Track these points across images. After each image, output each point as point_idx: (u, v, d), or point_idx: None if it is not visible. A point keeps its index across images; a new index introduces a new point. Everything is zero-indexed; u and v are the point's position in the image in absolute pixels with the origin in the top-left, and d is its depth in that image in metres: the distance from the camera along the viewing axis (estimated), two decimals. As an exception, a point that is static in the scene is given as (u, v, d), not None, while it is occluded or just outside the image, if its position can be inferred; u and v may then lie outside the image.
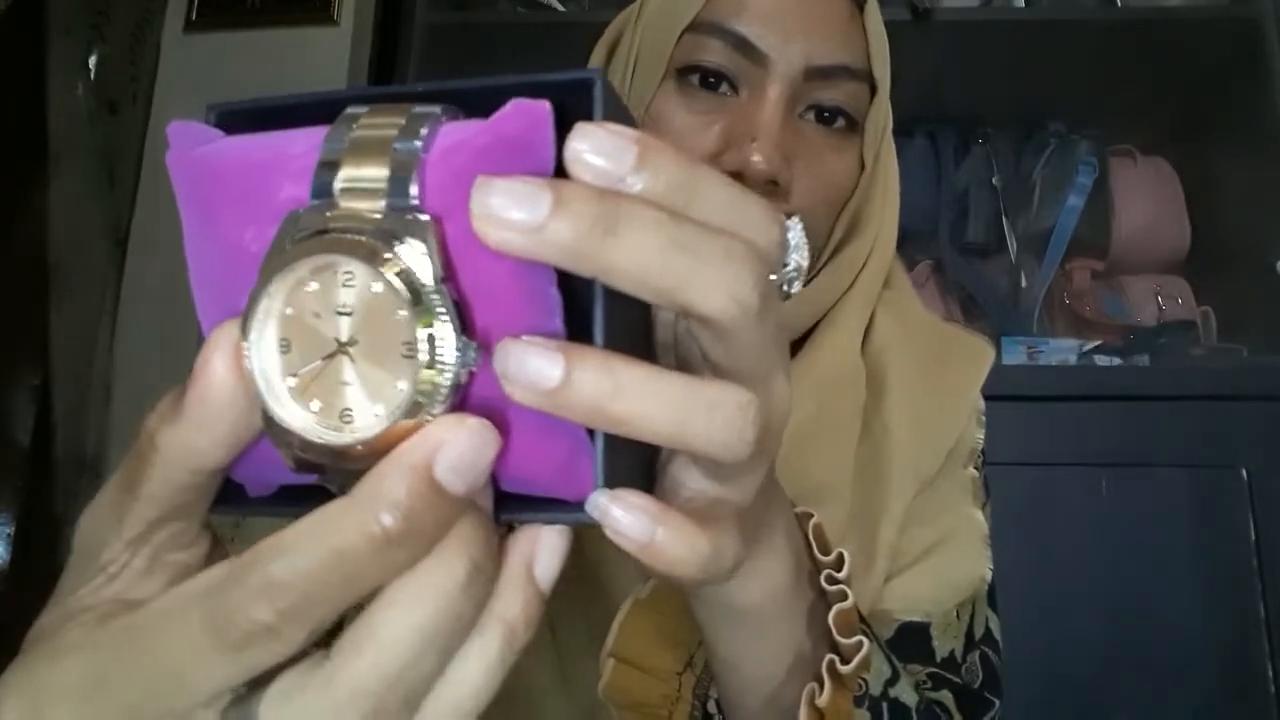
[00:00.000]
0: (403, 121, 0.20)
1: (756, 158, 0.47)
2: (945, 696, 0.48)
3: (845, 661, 0.34)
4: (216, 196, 0.22)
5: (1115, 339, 1.19)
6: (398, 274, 0.19)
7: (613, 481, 0.21)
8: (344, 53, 1.18)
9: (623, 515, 0.21)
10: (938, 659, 0.50)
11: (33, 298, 1.07)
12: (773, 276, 0.22)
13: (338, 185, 0.20)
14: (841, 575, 0.35)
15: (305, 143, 0.21)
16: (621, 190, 0.19)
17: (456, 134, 0.21)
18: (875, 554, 0.51)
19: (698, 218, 0.20)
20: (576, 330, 0.21)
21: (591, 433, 0.21)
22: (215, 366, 0.21)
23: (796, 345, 0.56)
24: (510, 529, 0.22)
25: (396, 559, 0.19)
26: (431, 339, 0.19)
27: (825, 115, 0.51)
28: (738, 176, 0.48)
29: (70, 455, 1.06)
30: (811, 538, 0.36)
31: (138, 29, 1.18)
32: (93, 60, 1.13)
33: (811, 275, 0.54)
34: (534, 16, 1.29)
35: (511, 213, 0.18)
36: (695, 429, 0.20)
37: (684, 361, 0.25)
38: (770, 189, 0.48)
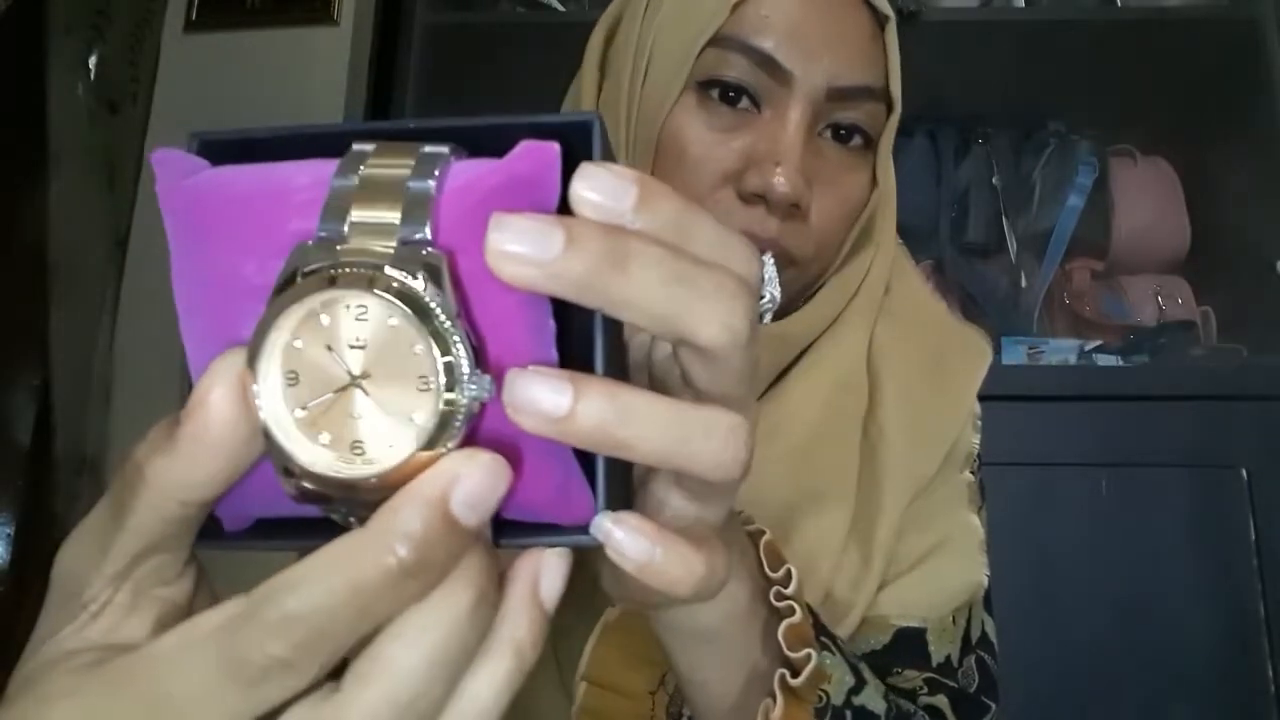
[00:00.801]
0: (413, 162, 0.21)
1: (780, 180, 0.46)
2: (941, 701, 0.48)
3: (796, 675, 0.35)
4: (213, 228, 0.22)
5: (1115, 339, 1.19)
6: (416, 307, 0.20)
7: (613, 505, 0.22)
8: (344, 53, 1.18)
9: (624, 537, 0.22)
10: (934, 664, 0.50)
11: (33, 298, 1.07)
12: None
13: (350, 221, 0.21)
14: (789, 591, 0.36)
15: (309, 176, 0.22)
16: (623, 227, 0.21)
17: (466, 173, 0.21)
18: (872, 557, 0.51)
19: (691, 253, 0.21)
20: (564, 358, 0.22)
21: (581, 459, 0.22)
22: (215, 399, 0.21)
23: (801, 353, 0.56)
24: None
25: (410, 590, 0.20)
26: (450, 372, 0.20)
27: (842, 133, 0.51)
28: (760, 198, 0.48)
29: (70, 455, 1.06)
30: (763, 555, 0.36)
31: (138, 29, 1.18)
32: (93, 60, 1.13)
33: (818, 288, 0.54)
34: (534, 16, 1.29)
35: (525, 248, 0.19)
36: (693, 451, 0.21)
37: (661, 386, 0.26)
38: (791, 211, 0.48)
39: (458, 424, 0.20)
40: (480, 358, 0.21)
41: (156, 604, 0.23)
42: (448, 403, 0.20)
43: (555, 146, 0.21)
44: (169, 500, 0.22)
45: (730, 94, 0.49)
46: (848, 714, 0.38)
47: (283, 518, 0.24)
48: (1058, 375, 1.11)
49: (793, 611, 0.36)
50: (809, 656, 0.35)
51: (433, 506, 0.20)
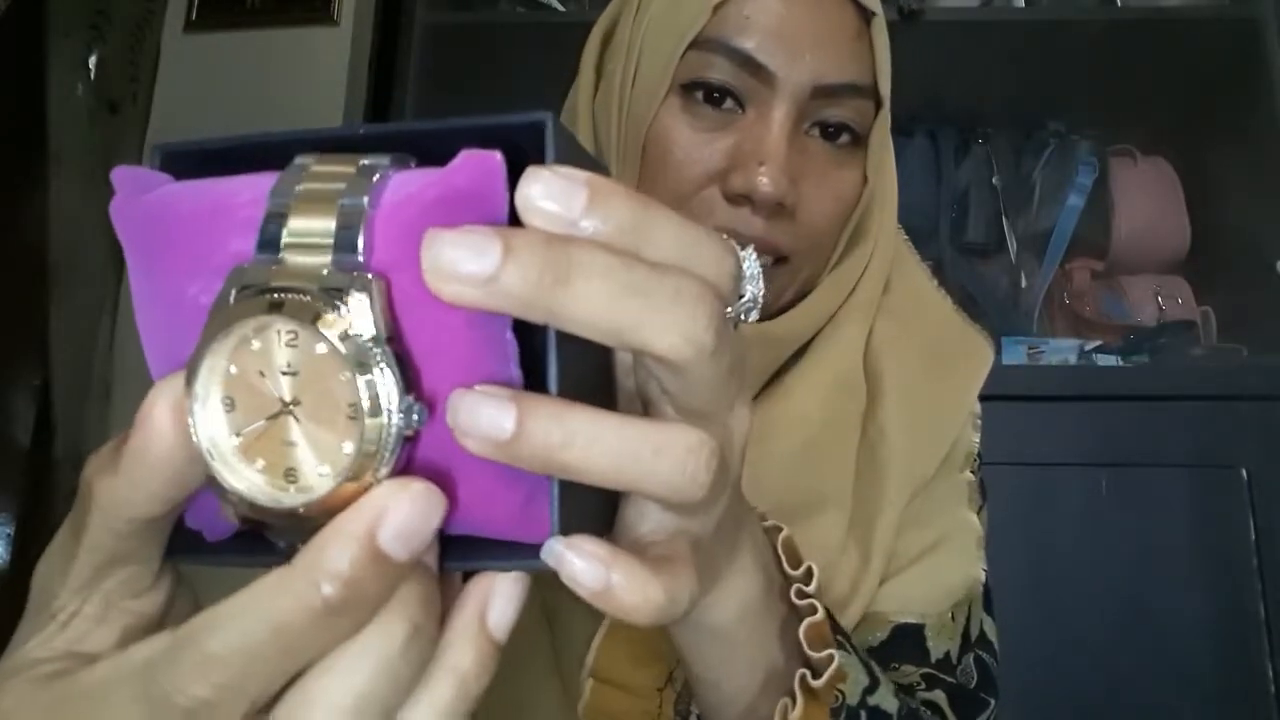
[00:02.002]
0: (351, 172, 0.20)
1: (764, 180, 0.46)
2: (939, 697, 0.48)
3: (817, 675, 0.34)
4: (162, 247, 0.22)
5: (1115, 339, 1.19)
6: (340, 335, 0.19)
7: (569, 527, 0.21)
8: (344, 53, 1.18)
9: (577, 562, 0.21)
10: (932, 660, 0.50)
11: (33, 298, 1.07)
12: (729, 309, 0.22)
13: (284, 240, 0.20)
14: (810, 589, 0.35)
15: (251, 192, 0.21)
16: (573, 234, 0.20)
17: (406, 186, 0.20)
18: (870, 556, 0.51)
19: (651, 257, 0.20)
20: (535, 374, 0.21)
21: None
22: (156, 421, 0.21)
23: (798, 353, 0.56)
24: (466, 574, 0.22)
25: (338, 628, 0.19)
26: (375, 400, 0.19)
27: (830, 131, 0.50)
28: (745, 198, 0.48)
29: (70, 455, 1.06)
30: (781, 552, 0.36)
31: (138, 29, 1.18)
32: (93, 60, 1.13)
33: (813, 287, 0.54)
34: (534, 16, 1.29)
35: (462, 265, 0.18)
36: (645, 474, 0.20)
37: (646, 398, 0.25)
38: (777, 210, 0.48)
39: (388, 453, 0.20)
40: (414, 382, 0.20)
41: (125, 615, 0.23)
42: (373, 432, 0.19)
43: (496, 156, 0.20)
44: (115, 518, 0.22)
45: (714, 95, 0.49)
46: (862, 714, 0.38)
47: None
48: (1058, 375, 1.11)
49: (814, 610, 0.35)
50: (831, 657, 0.34)
51: (359, 541, 0.19)
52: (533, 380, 0.21)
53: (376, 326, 0.19)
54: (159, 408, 0.21)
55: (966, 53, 1.22)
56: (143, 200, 0.22)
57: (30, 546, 1.03)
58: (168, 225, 0.22)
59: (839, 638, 0.38)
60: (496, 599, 0.21)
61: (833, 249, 0.54)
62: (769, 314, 0.51)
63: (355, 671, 0.19)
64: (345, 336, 0.19)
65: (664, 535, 0.25)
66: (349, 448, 0.20)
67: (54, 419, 1.06)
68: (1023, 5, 1.27)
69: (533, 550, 0.21)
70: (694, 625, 0.32)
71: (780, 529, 0.37)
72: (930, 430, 0.55)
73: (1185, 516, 1.02)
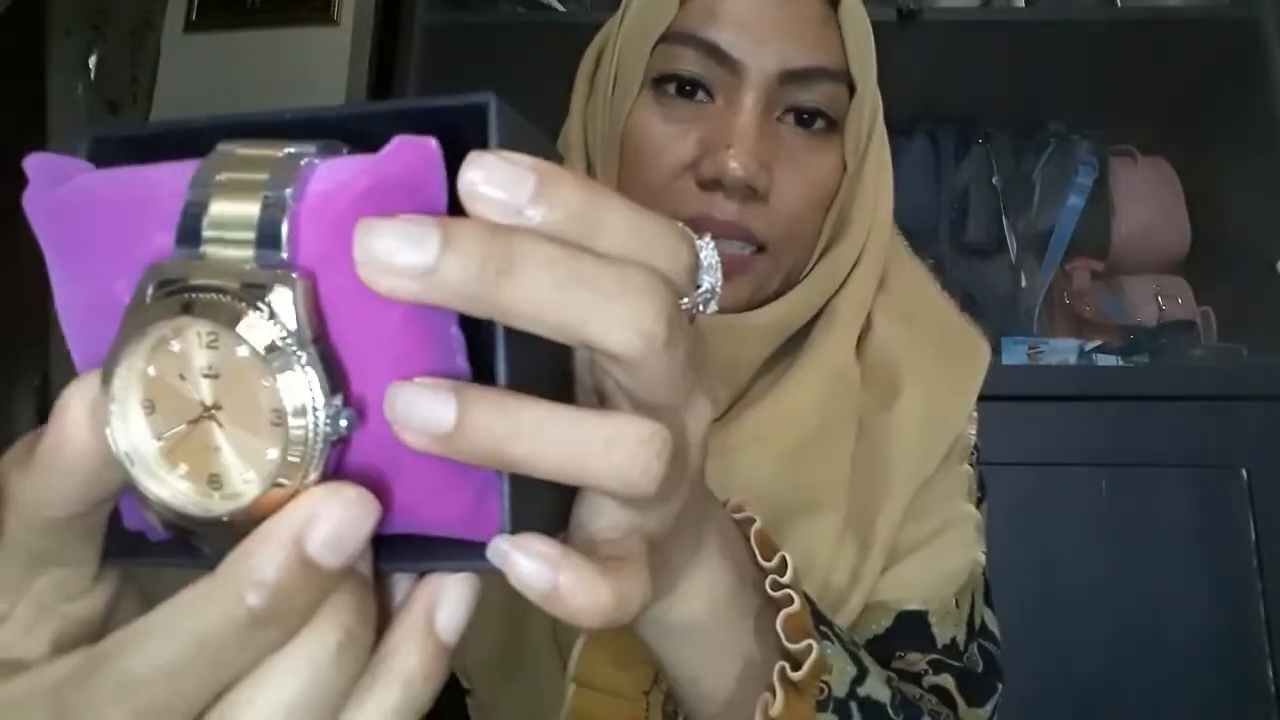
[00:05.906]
0: (276, 160, 0.19)
1: (733, 164, 0.47)
2: (946, 680, 0.48)
3: (796, 667, 0.33)
4: (82, 241, 0.20)
5: (1115, 339, 1.19)
6: (262, 338, 0.18)
7: (519, 525, 0.20)
8: (344, 53, 1.18)
9: (523, 562, 0.20)
10: (938, 645, 0.50)
11: (33, 297, 1.07)
12: (684, 300, 0.21)
13: (204, 234, 0.19)
14: (785, 579, 0.35)
15: (174, 182, 0.19)
16: (519, 223, 0.19)
17: (335, 175, 0.19)
18: (871, 546, 0.51)
19: (601, 247, 0.19)
20: (487, 366, 0.20)
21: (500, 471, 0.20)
22: (70, 419, 0.20)
23: (793, 350, 0.55)
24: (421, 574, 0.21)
25: (266, 639, 0.18)
26: (298, 405, 0.18)
27: (804, 117, 0.51)
28: (715, 184, 0.48)
29: (70, 455, 1.06)
30: (755, 544, 0.35)
31: (138, 29, 1.18)
32: (93, 60, 1.13)
33: (800, 277, 0.54)
34: (534, 16, 1.29)
35: (397, 256, 0.17)
36: (596, 467, 0.19)
37: (602, 393, 0.24)
38: (749, 194, 0.48)
39: (313, 458, 0.18)
40: (342, 384, 0.19)
41: (59, 620, 0.22)
42: (297, 437, 0.18)
43: (432, 141, 0.19)
44: (30, 516, 0.21)
45: (685, 87, 0.50)
46: (852, 705, 0.37)
47: None
48: (1058, 375, 1.11)
49: (790, 601, 0.34)
50: (810, 648, 0.33)
51: (286, 549, 0.18)
52: (485, 375, 0.19)
53: (300, 326, 0.18)
54: (72, 408, 0.20)
55: (966, 53, 1.23)
56: (59, 192, 0.21)
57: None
58: (88, 218, 0.20)
59: (823, 628, 0.37)
60: (445, 601, 0.20)
61: (815, 237, 0.54)
62: (755, 304, 0.52)
63: (284, 683, 0.18)
64: (267, 340, 0.18)
65: (618, 533, 0.24)
66: (273, 454, 0.18)
67: (54, 419, 1.06)
68: (1023, 5, 1.27)
69: (484, 550, 0.20)
70: (660, 625, 0.31)
71: (753, 520, 0.36)
72: (938, 427, 0.55)
73: (1185, 516, 1.02)
